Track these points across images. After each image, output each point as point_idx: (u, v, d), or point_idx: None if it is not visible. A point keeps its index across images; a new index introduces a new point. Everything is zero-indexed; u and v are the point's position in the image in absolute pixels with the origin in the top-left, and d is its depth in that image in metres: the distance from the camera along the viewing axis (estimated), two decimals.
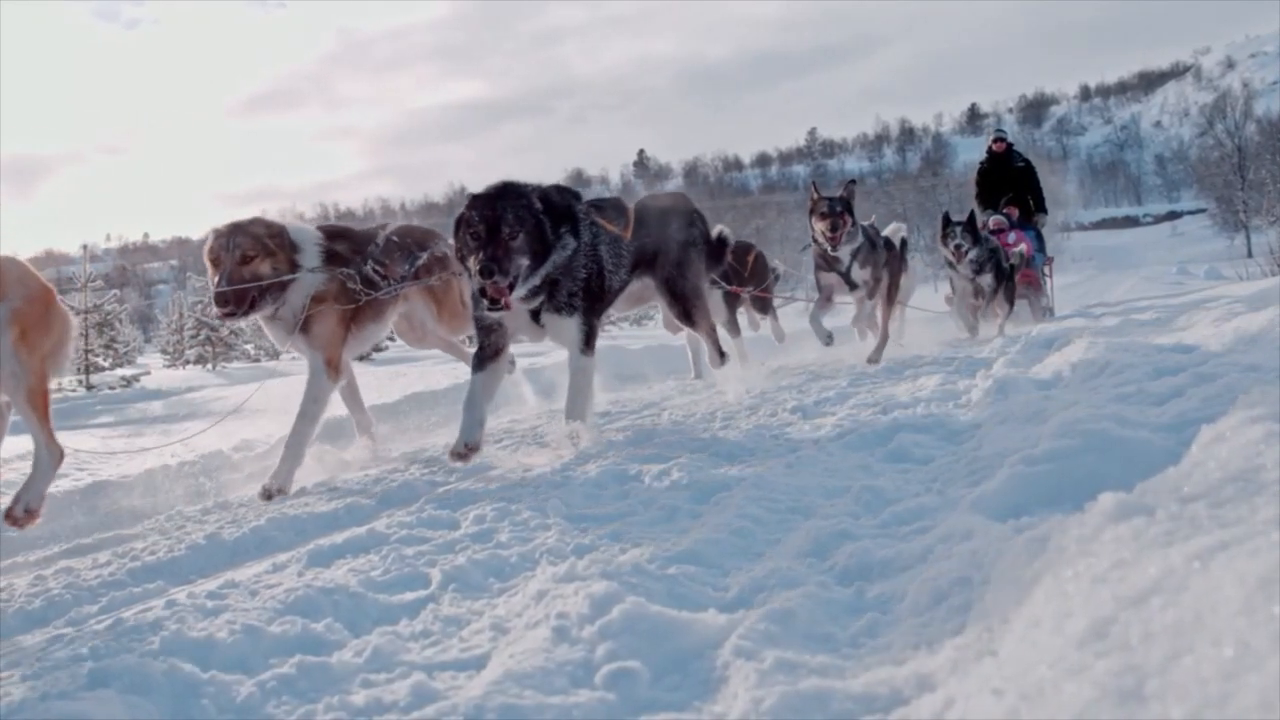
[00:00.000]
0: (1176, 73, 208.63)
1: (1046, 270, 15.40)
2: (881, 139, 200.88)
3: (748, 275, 10.61)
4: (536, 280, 5.16)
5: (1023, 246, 13.67)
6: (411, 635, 2.53)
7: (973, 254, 11.45)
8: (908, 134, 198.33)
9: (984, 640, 1.79)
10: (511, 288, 4.98)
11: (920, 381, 6.57)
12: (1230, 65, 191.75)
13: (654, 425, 5.92)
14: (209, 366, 32.07)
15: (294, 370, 16.58)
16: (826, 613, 2.30)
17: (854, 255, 9.24)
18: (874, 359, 9.30)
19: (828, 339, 9.52)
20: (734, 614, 2.31)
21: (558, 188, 5.55)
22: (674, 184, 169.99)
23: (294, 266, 5.69)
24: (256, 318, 5.79)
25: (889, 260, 10.02)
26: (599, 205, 5.84)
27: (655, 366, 11.06)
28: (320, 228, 6.09)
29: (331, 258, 5.88)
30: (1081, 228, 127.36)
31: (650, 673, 2.04)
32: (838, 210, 9.08)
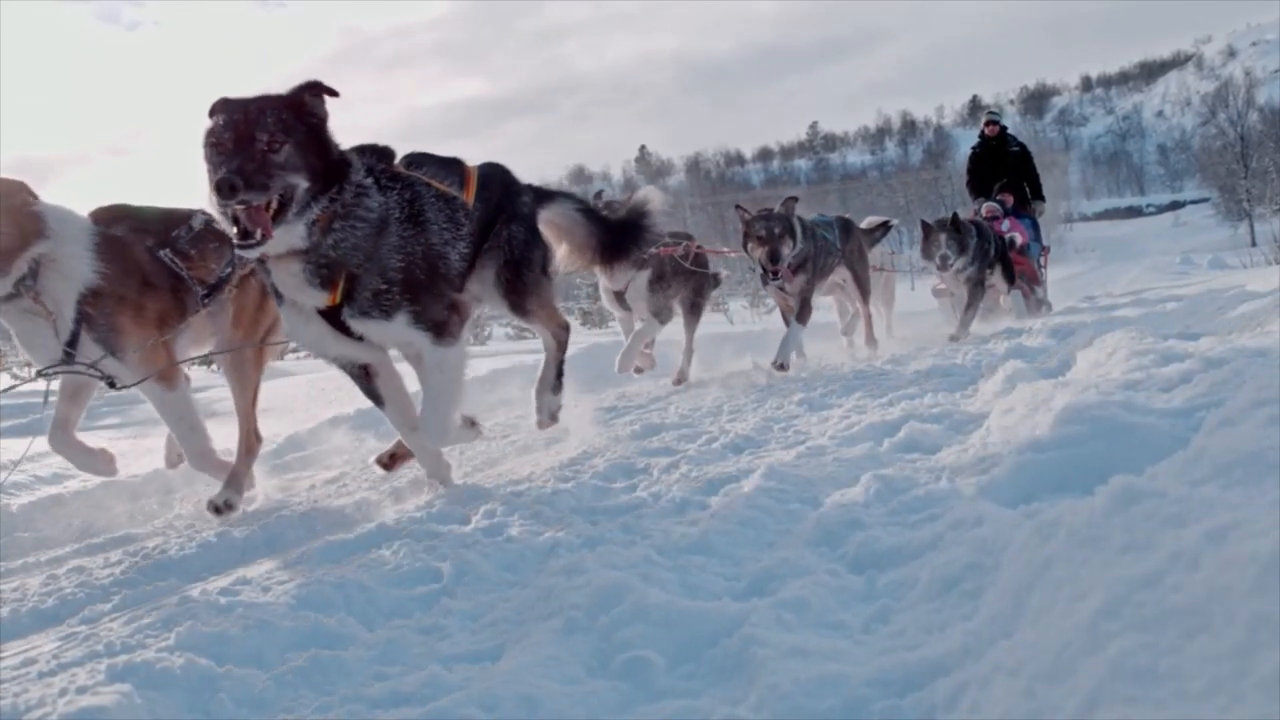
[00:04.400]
0: (1178, 62, 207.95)
1: (1042, 261, 14.75)
2: (883, 132, 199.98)
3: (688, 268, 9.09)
4: (317, 211, 3.77)
5: (1016, 236, 13.15)
6: (424, 628, 2.55)
7: (958, 264, 10.49)
8: (909, 127, 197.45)
9: (997, 624, 1.80)
10: (282, 215, 3.67)
11: (926, 373, 6.57)
12: (1232, 54, 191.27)
13: (661, 420, 5.93)
14: (214, 368, 31.98)
15: (299, 370, 16.59)
16: (838, 600, 2.31)
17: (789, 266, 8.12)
18: (870, 346, 9.32)
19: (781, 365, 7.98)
20: (746, 602, 2.33)
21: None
22: (676, 179, 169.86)
23: (24, 244, 4.26)
24: None
25: (850, 254, 9.30)
26: (421, 159, 4.54)
27: (662, 362, 11.01)
28: (106, 208, 4.75)
29: (110, 247, 4.49)
30: (1084, 219, 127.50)
31: (664, 661, 2.06)
32: (776, 233, 7.94)
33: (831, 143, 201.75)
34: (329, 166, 3.82)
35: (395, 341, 4.24)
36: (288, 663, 2.32)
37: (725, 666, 2.01)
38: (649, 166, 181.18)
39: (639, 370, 8.84)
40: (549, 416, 5.13)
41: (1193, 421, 2.92)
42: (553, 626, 2.27)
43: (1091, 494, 1.99)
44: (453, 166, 4.58)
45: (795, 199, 8.40)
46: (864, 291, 9.63)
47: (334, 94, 3.93)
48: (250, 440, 5.00)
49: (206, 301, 4.76)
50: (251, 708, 2.15)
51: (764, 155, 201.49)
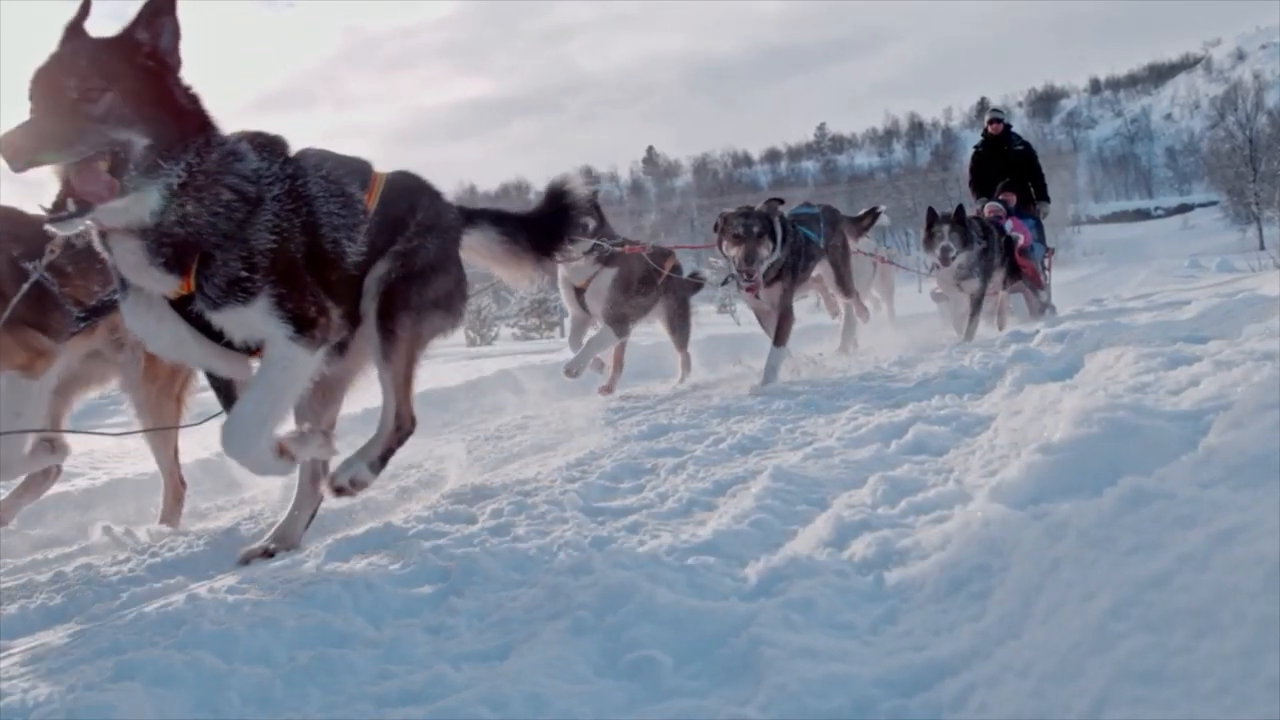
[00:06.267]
0: (1187, 65, 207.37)
1: (1046, 263, 14.15)
2: (891, 134, 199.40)
3: (661, 282, 8.57)
4: (176, 175, 3.11)
5: (1019, 236, 12.77)
6: (431, 627, 2.55)
7: (961, 259, 10.11)
8: (917, 129, 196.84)
9: (1005, 624, 1.80)
10: (115, 174, 3.01)
11: (932, 375, 6.57)
12: (1241, 57, 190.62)
13: (668, 420, 5.93)
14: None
15: None
16: (846, 601, 2.31)
17: (765, 274, 7.63)
18: (844, 348, 9.27)
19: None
20: (754, 603, 2.33)
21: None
22: (683, 180, 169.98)
23: None
24: None
25: (834, 248, 8.84)
26: (320, 155, 3.81)
27: (667, 363, 10.97)
28: None
29: None
30: (1092, 221, 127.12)
31: (672, 661, 2.05)
32: (755, 231, 7.37)
33: (839, 144, 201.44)
34: (177, 120, 3.15)
35: (250, 334, 3.40)
36: (295, 661, 2.32)
37: (733, 666, 2.01)
38: (656, 168, 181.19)
39: (606, 391, 8.43)
40: (349, 482, 3.90)
41: (1201, 424, 2.91)
42: (560, 626, 2.27)
43: (1100, 495, 1.99)
44: (357, 168, 3.93)
45: (780, 200, 8.02)
46: (845, 289, 9.23)
47: (174, 4, 3.19)
48: (177, 490, 4.72)
49: (82, 325, 4.23)
50: (259, 705, 2.15)
51: (771, 156, 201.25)
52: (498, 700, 1.93)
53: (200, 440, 5.79)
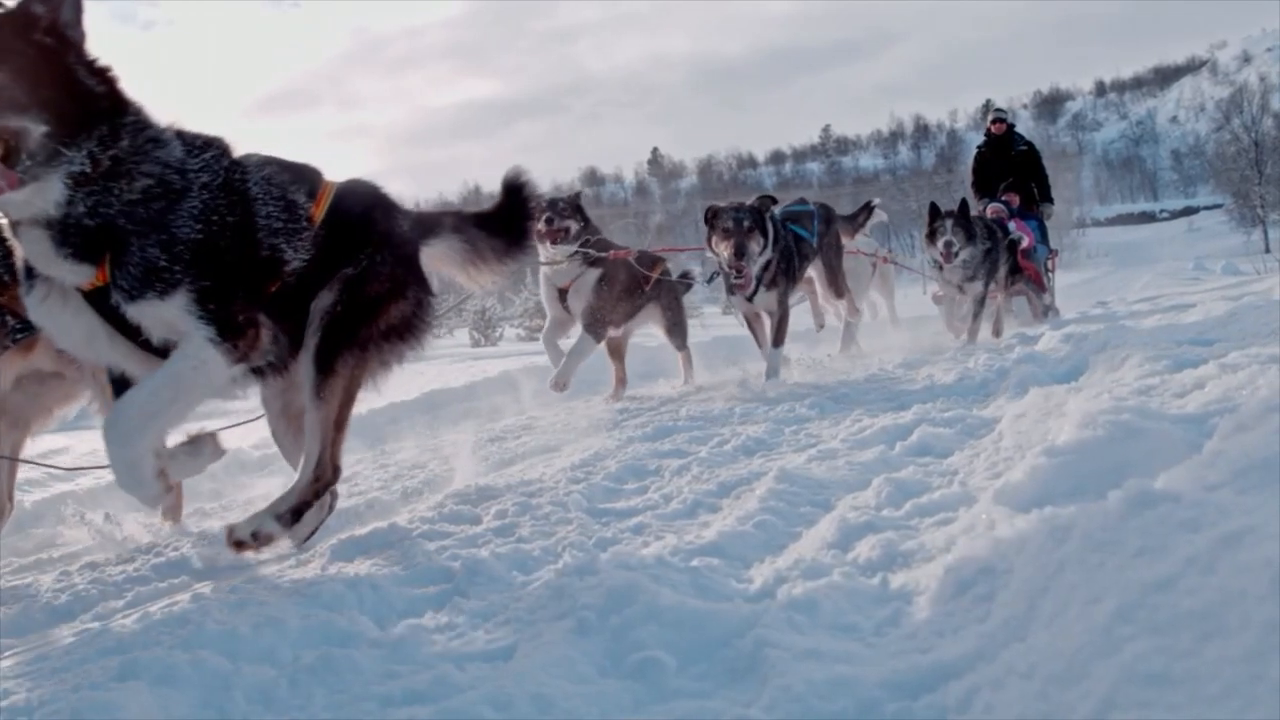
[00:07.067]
0: (1192, 67, 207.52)
1: (1049, 265, 13.94)
2: (896, 136, 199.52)
3: (649, 286, 8.34)
4: (80, 161, 2.85)
5: (1022, 238, 12.36)
6: (436, 627, 2.55)
7: (964, 255, 9.70)
8: (922, 130, 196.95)
9: (1010, 627, 1.80)
10: (8, 163, 2.73)
11: (937, 378, 6.56)
12: (1246, 59, 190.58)
13: (673, 422, 5.93)
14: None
15: None
16: (851, 603, 2.31)
17: (760, 277, 7.50)
18: (844, 350, 9.14)
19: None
20: (759, 604, 2.33)
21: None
22: (688, 181, 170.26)
23: None
24: None
25: (827, 246, 8.66)
26: (265, 160, 3.49)
27: (671, 364, 10.94)
28: None
29: None
30: (1097, 223, 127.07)
31: (676, 661, 2.06)
32: (745, 226, 7.19)
33: (844, 145, 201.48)
34: (81, 102, 2.88)
35: (168, 331, 3.10)
36: (299, 661, 2.32)
37: (737, 667, 2.01)
38: (661, 169, 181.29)
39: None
40: (250, 535, 3.44)
41: (1206, 427, 2.91)
42: (565, 626, 2.27)
43: (1105, 498, 1.99)
44: (304, 175, 3.60)
45: (772, 199, 7.83)
46: (836, 288, 9.01)
47: None
48: (176, 495, 4.54)
49: (19, 337, 3.97)
50: (263, 705, 2.15)
51: (776, 158, 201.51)
52: (502, 700, 1.94)
53: None
